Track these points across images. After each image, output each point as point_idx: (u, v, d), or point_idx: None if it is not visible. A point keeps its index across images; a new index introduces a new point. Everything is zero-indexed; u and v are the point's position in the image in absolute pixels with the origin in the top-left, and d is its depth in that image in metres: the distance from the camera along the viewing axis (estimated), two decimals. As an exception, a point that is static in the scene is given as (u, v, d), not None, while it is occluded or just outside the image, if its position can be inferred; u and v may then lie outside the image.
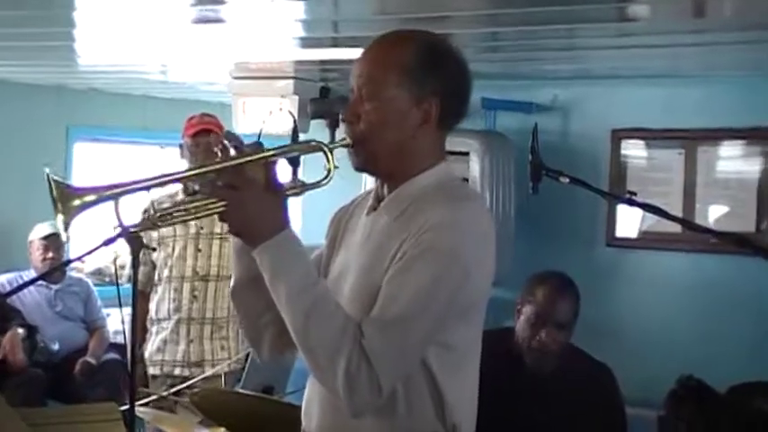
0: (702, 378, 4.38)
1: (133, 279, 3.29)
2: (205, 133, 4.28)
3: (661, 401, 4.41)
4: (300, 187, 2.36)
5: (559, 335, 3.67)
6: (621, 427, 3.83)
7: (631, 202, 4.02)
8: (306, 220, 5.14)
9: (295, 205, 4.14)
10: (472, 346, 2.36)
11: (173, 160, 6.22)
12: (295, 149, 2.47)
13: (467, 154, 4.98)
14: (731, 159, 5.07)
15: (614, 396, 3.87)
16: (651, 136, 5.15)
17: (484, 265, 2.32)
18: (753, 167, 4.89)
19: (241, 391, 4.14)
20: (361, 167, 2.35)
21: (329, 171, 2.30)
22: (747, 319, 4.44)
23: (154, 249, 4.44)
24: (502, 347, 3.69)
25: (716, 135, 4.98)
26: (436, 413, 2.32)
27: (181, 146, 4.38)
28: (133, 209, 2.39)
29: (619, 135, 5.16)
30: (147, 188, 2.25)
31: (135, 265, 2.80)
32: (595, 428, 3.67)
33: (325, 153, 2.31)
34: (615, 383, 3.86)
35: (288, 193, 2.28)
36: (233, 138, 4.16)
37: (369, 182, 2.55)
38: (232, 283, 2.44)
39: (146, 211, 2.88)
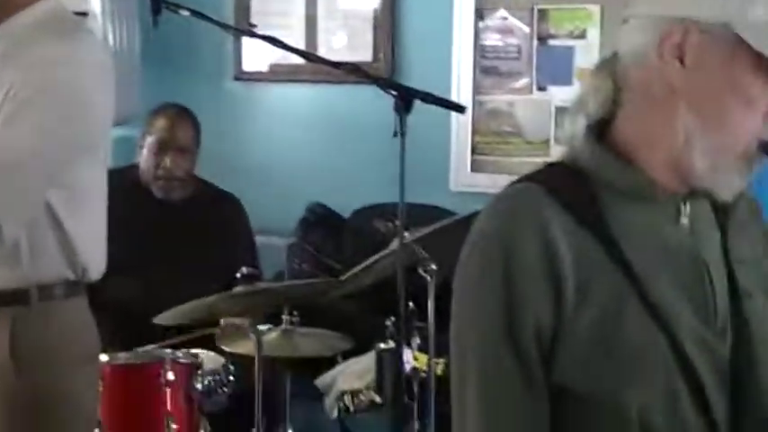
0: (328, 204, 4.90)
1: None
2: None
3: (291, 229, 4.76)
4: None
5: (183, 160, 3.79)
6: (251, 254, 3.99)
7: (252, 35, 4.04)
8: None
9: None
10: (97, 186, 2.36)
11: None
12: None
13: (86, -13, 4.75)
14: (350, -10, 5.13)
15: (242, 224, 4.06)
16: (272, -33, 5.10)
17: (103, 99, 2.28)
18: (369, -2, 4.99)
19: None
20: None
21: None
22: (367, 145, 4.58)
23: None
24: (129, 183, 3.76)
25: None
26: (64, 258, 2.31)
27: None
28: None
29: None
30: None
31: None
32: (226, 257, 3.78)
33: None
34: (243, 212, 4.06)
35: None
36: None
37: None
38: None
39: None
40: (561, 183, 1.53)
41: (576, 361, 1.47)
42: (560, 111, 4.69)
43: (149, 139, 3.81)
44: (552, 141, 4.66)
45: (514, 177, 1.60)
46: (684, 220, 1.55)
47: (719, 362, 1.51)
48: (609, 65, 1.54)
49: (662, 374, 1.48)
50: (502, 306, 1.47)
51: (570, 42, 4.70)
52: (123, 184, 3.53)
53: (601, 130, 1.54)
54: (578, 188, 1.52)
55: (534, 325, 1.47)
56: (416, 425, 3.43)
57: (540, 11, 4.72)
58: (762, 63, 1.43)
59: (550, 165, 1.60)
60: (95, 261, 2.40)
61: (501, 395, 1.50)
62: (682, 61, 1.46)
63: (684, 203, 1.54)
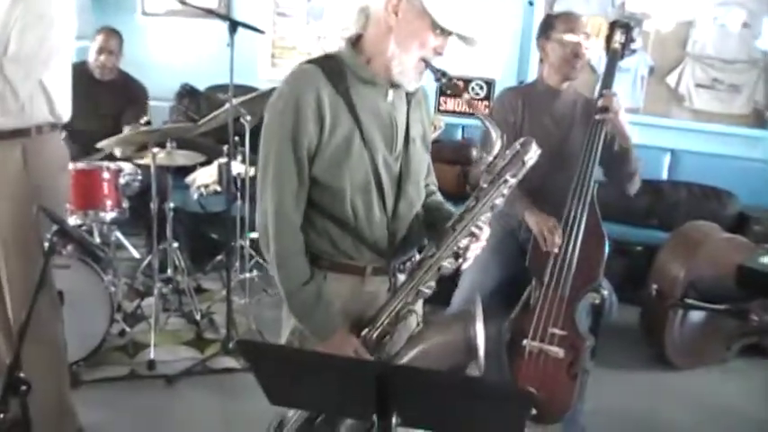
0: (191, 83, 4.95)
1: None
2: None
3: (172, 98, 4.87)
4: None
5: (111, 58, 4.02)
6: (146, 110, 4.07)
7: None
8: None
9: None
10: (66, 71, 2.38)
11: None
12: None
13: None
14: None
15: (143, 94, 4.18)
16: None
17: (69, 24, 2.29)
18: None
19: None
20: None
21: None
22: (215, 50, 4.21)
23: None
24: (83, 71, 3.83)
25: None
26: (48, 110, 2.32)
27: None
28: None
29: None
30: None
31: None
32: (134, 112, 3.91)
33: None
34: (144, 88, 4.19)
35: None
36: None
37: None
38: None
39: None
40: (329, 67, 1.61)
41: (324, 165, 1.61)
42: (321, 37, 4.86)
43: (94, 46, 4.00)
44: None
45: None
46: (390, 98, 1.67)
47: (393, 173, 1.68)
48: (363, 9, 1.64)
49: (364, 177, 1.64)
50: (291, 130, 1.57)
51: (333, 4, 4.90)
52: (81, 71, 3.59)
53: (355, 41, 1.66)
54: (338, 71, 1.61)
55: (307, 142, 1.58)
56: (240, 202, 3.75)
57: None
58: (434, 25, 1.57)
59: (325, 56, 1.66)
60: (65, 111, 2.42)
61: (285, 176, 1.60)
62: (397, 15, 1.58)
63: (390, 88, 1.66)
